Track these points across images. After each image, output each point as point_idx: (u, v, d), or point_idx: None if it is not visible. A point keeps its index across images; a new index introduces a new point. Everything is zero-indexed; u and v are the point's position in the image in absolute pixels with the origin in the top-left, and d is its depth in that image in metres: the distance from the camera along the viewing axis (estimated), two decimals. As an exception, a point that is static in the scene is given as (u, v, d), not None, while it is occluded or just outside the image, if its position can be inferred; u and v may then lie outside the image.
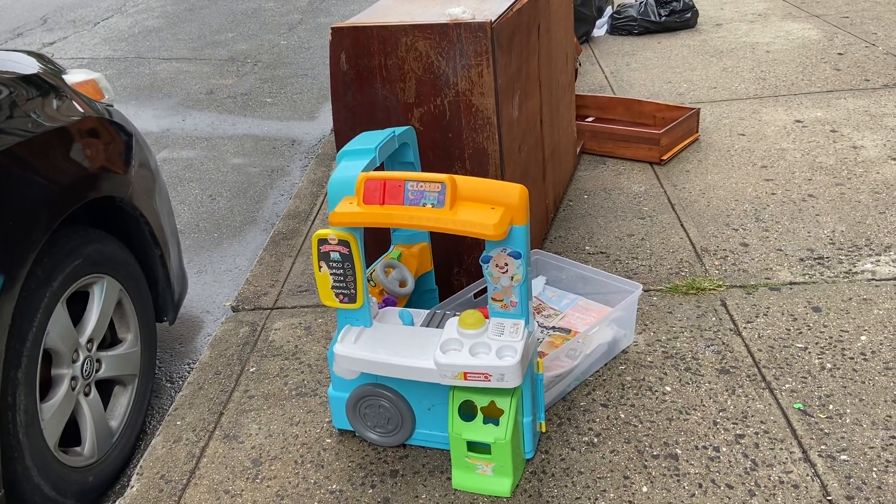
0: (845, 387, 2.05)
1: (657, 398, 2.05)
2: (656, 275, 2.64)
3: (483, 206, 1.60)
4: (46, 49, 7.04)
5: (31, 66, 2.00)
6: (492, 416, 1.73)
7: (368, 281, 1.94)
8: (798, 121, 3.93)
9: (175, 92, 5.50)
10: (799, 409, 1.98)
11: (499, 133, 2.21)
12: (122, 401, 2.17)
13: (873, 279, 2.53)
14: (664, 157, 3.52)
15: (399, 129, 1.97)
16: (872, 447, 1.84)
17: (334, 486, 1.84)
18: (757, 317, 2.37)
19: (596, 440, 1.92)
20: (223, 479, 1.89)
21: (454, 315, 1.83)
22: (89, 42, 7.18)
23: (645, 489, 1.76)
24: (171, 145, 4.52)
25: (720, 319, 2.37)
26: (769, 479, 1.76)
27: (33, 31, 7.83)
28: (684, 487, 1.75)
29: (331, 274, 1.78)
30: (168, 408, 2.29)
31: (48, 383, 1.87)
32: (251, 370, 2.30)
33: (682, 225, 2.97)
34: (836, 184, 3.21)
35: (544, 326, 2.26)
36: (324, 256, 1.76)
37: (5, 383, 1.63)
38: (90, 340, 1.99)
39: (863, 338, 2.24)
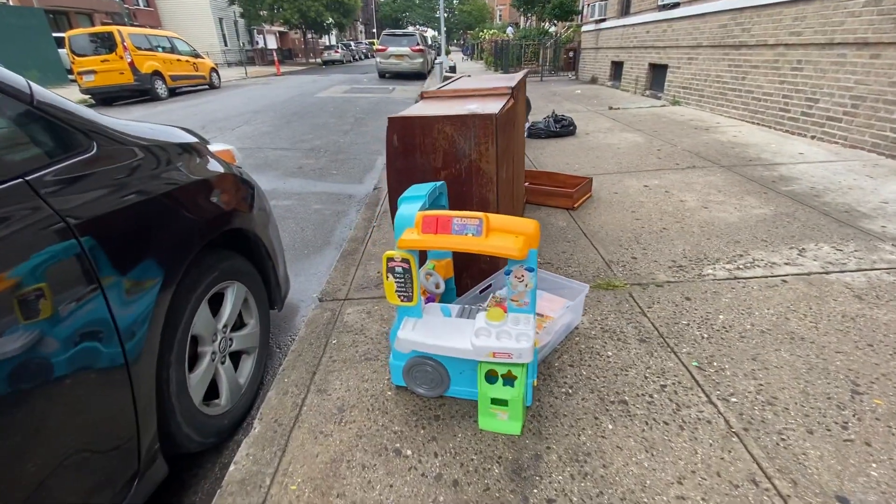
0: (720, 350, 1.72)
1: (604, 360, 1.69)
2: (584, 277, 2.30)
3: (508, 234, 1.23)
4: (200, 142, 6.45)
5: (186, 137, 1.57)
6: (509, 379, 1.35)
7: None
8: (645, 185, 3.65)
9: (279, 167, 5.02)
10: (696, 365, 1.65)
11: (497, 188, 1.83)
12: (247, 365, 1.74)
13: (715, 279, 2.22)
14: (575, 206, 3.19)
15: (438, 183, 1.58)
16: (749, 391, 1.50)
17: (396, 428, 1.44)
18: (653, 304, 2.04)
19: (570, 391, 1.55)
20: (318, 422, 1.48)
21: (481, 310, 1.44)
22: (228, 138, 6.63)
23: (610, 427, 1.39)
24: (277, 198, 4.05)
25: (631, 306, 2.03)
26: (690, 417, 1.42)
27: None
28: (636, 425, 1.39)
29: (395, 282, 1.38)
30: (278, 368, 1.86)
31: (197, 357, 1.44)
32: (333, 342, 1.88)
33: (593, 246, 2.63)
34: (676, 221, 2.91)
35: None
36: (391, 270, 1.36)
37: (160, 365, 1.20)
38: (225, 326, 1.56)
39: (721, 317, 1.92)
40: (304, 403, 1.56)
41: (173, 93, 12.97)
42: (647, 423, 1.40)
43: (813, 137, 4.84)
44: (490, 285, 1.95)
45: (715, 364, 1.65)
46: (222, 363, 1.55)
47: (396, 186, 1.89)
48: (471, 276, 2.06)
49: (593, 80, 12.24)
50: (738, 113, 6.10)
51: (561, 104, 8.24)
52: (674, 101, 7.77)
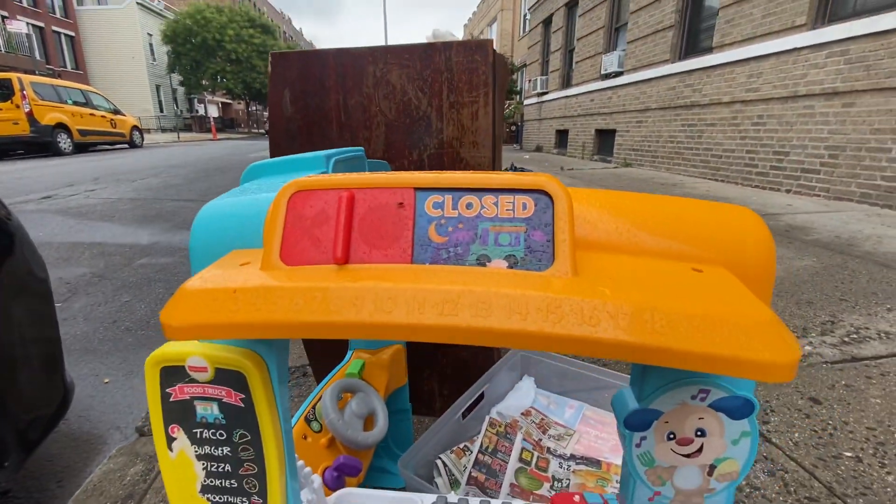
0: (970, 526, 0.81)
1: (768, 582, 0.71)
2: (619, 364, 1.37)
3: (655, 260, 0.26)
4: (86, 192, 5.18)
5: None
6: None
7: (309, 422, 0.53)
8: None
9: (174, 219, 3.88)
10: (966, 582, 0.71)
11: (492, 197, 0.91)
12: None
13: (826, 361, 1.38)
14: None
15: (354, 151, 0.63)
16: None
17: None
18: (769, 414, 1.13)
19: None
20: None
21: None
22: (122, 189, 5.40)
23: None
24: (153, 254, 2.90)
25: (733, 421, 1.10)
26: None
27: (84, 183, 5.92)
28: None
29: (199, 457, 0.34)
30: None
31: None
32: (115, 559, 0.77)
33: (616, 312, 1.73)
34: (708, 277, 2.12)
35: (562, 456, 0.89)
36: (178, 413, 0.33)
37: None
38: None
39: (898, 437, 1.04)
40: None
41: (84, 149, 11.49)
42: None
43: (788, 191, 4.51)
44: (482, 395, 0.96)
45: None
46: None
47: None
48: (438, 375, 1.07)
49: (538, 149, 12.32)
50: (697, 171, 5.85)
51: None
52: (625, 164, 7.59)
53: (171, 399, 0.38)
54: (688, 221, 0.30)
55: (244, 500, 0.39)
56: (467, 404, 0.91)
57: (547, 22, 11.72)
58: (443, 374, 1.09)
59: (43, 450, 1.21)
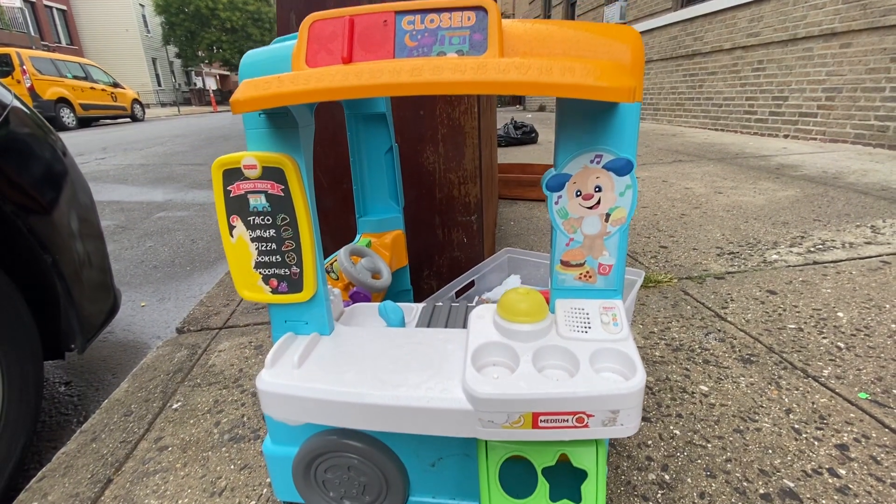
0: (883, 367, 0.97)
1: (702, 402, 0.88)
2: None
3: (556, 59, 0.40)
4: (97, 160, 5.32)
5: None
6: (562, 474, 0.49)
7: (328, 273, 0.69)
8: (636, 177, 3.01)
9: (185, 180, 4.02)
10: (867, 398, 0.88)
11: (478, 108, 1.04)
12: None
13: (789, 265, 1.52)
14: (562, 196, 2.46)
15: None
16: None
17: None
18: (727, 303, 1.28)
19: (668, 478, 0.71)
20: None
21: (477, 303, 0.60)
22: (131, 157, 5.53)
23: (811, 576, 0.56)
24: (170, 209, 3.05)
25: (696, 308, 1.26)
26: (957, 525, 0.61)
27: (93, 153, 6.07)
28: (867, 563, 0.57)
29: (252, 239, 0.50)
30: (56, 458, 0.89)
31: None
32: (175, 406, 0.95)
33: (602, 236, 1.87)
34: (694, 207, 2.25)
35: (540, 324, 1.04)
36: (236, 206, 0.48)
37: None
38: None
39: (840, 315, 1.19)
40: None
41: (86, 123, 11.56)
42: (887, 556, 0.59)
43: (786, 136, 4.54)
44: (472, 283, 1.12)
45: (895, 392, 0.89)
46: None
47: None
48: (437, 271, 1.22)
49: (541, 109, 12.19)
50: (698, 121, 5.85)
51: (514, 124, 7.83)
52: (627, 119, 7.57)
53: (231, 195, 0.52)
54: (586, 34, 0.43)
55: (286, 270, 0.54)
56: (460, 286, 1.07)
57: (547, -25, 11.36)
58: (440, 274, 1.24)
59: (95, 353, 1.39)
